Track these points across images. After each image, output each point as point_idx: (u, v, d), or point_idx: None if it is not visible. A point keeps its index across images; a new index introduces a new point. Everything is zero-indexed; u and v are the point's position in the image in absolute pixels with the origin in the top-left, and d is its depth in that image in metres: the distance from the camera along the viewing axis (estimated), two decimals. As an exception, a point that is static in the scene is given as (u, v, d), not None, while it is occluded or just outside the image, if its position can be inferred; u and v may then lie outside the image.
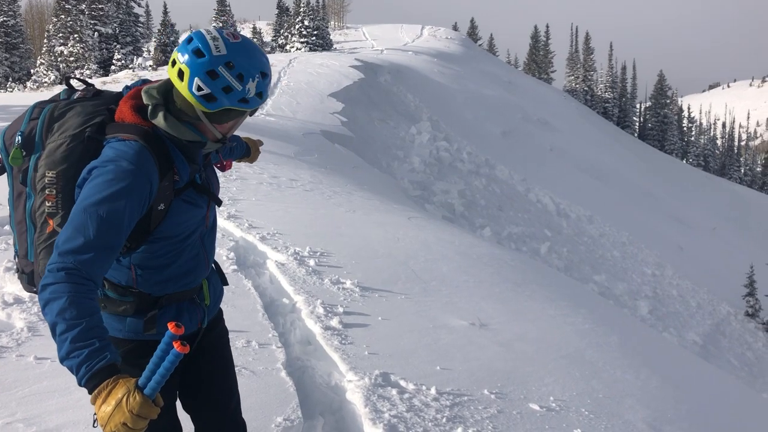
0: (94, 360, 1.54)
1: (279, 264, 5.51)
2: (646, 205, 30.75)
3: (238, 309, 4.48)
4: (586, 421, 3.75)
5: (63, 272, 1.62)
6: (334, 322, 4.42)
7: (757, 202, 45.53)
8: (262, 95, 1.86)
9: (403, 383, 3.73)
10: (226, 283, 2.34)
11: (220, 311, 2.33)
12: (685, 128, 74.81)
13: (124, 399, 1.50)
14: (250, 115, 1.97)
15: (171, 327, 1.54)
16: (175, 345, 1.51)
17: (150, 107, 1.86)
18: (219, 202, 2.11)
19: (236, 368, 2.38)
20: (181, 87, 1.81)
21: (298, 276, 5.25)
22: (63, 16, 40.16)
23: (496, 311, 5.31)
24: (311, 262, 5.62)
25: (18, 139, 1.90)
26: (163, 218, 1.89)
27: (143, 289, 1.98)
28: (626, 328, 6.76)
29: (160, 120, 1.83)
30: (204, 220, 2.05)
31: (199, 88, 1.79)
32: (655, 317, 17.50)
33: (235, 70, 1.78)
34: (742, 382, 11.50)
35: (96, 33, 40.27)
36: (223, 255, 5.52)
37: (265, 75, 1.86)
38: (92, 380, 1.54)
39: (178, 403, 2.24)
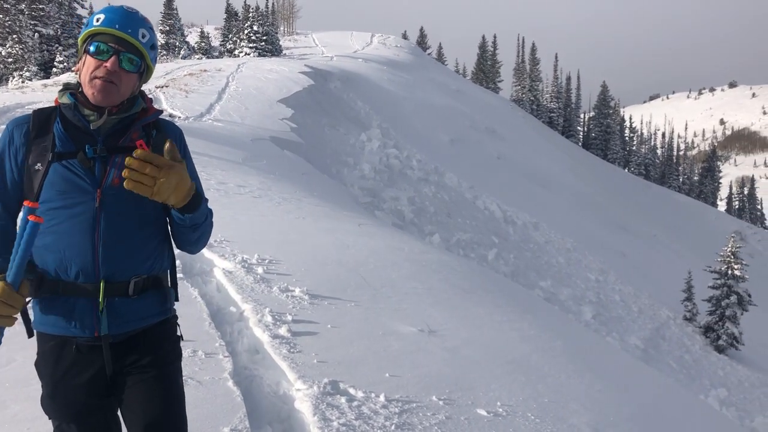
0: None
1: (226, 272, 5.44)
2: (590, 213, 31.55)
3: (184, 318, 4.36)
4: (533, 425, 3.81)
5: None
6: (283, 331, 4.39)
7: (694, 209, 47.28)
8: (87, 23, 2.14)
9: (352, 391, 3.73)
10: (176, 299, 2.28)
11: (169, 334, 2.21)
12: (627, 138, 77.13)
13: None
14: (107, 64, 2.09)
15: (26, 202, 1.81)
16: (30, 217, 1.77)
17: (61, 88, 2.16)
18: (111, 183, 2.01)
19: (183, 378, 2.28)
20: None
21: (245, 284, 5.19)
22: (1, 16, 38.83)
23: (445, 317, 5.36)
24: (259, 270, 5.56)
25: None
26: (43, 179, 1.99)
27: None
28: (571, 333, 6.91)
29: (58, 94, 2.13)
30: (93, 199, 1.98)
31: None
32: (598, 322, 17.92)
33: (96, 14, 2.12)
34: (680, 385, 11.90)
35: (36, 34, 39.06)
36: (168, 263, 5.41)
37: (101, 12, 2.11)
38: None
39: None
